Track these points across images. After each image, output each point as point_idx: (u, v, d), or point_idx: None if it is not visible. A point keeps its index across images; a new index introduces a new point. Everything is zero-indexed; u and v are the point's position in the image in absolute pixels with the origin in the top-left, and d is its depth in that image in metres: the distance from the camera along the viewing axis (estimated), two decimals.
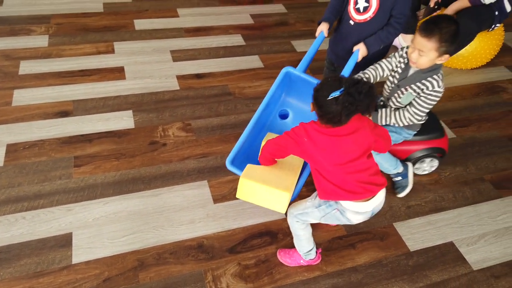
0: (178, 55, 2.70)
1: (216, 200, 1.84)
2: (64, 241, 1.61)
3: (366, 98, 1.18)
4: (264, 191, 1.41)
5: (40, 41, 2.69)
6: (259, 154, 1.49)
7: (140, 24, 2.98)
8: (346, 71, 1.77)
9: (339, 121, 1.23)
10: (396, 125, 1.73)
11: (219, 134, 2.16)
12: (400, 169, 1.89)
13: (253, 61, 2.72)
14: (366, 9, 1.76)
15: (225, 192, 1.88)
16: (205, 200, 1.84)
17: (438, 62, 1.56)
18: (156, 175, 1.92)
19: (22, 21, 2.84)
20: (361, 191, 1.32)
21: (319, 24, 1.88)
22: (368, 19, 1.77)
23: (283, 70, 1.77)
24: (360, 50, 1.78)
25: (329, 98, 1.18)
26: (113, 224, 1.70)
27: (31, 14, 2.93)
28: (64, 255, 1.57)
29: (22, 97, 2.25)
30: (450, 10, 2.58)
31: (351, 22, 1.82)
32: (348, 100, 1.17)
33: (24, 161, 1.91)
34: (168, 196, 1.84)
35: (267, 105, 1.76)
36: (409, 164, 1.92)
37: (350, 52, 1.84)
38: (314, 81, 1.67)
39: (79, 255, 1.57)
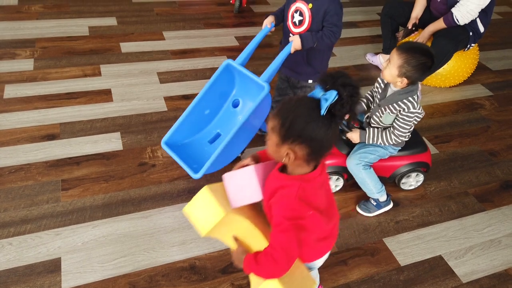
0: (165, 77, 2.73)
1: None
2: (53, 266, 1.58)
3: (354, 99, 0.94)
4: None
5: (25, 64, 2.68)
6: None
7: (127, 47, 3.01)
8: (276, 61, 1.83)
9: (330, 146, 0.99)
10: (383, 144, 1.79)
11: None
12: (383, 198, 1.91)
13: None
14: (301, 22, 1.88)
15: None
16: None
17: (398, 82, 1.66)
18: (146, 197, 1.91)
19: (6, 45, 2.83)
20: (336, 229, 1.22)
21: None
22: (305, 31, 1.89)
23: (224, 63, 1.88)
24: (294, 42, 1.85)
25: (323, 110, 0.91)
26: (103, 247, 1.67)
27: (15, 38, 2.92)
28: (53, 281, 1.53)
29: (7, 121, 2.23)
30: (427, 31, 2.70)
31: (291, 35, 1.92)
32: (345, 107, 0.92)
33: (10, 185, 1.87)
34: (159, 217, 1.82)
35: (210, 93, 1.91)
36: (391, 204, 1.95)
37: (294, 63, 2.00)
38: (252, 75, 1.80)
39: (68, 281, 1.54)
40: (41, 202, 1.82)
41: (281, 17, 1.99)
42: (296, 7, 1.88)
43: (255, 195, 1.14)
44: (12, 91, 2.44)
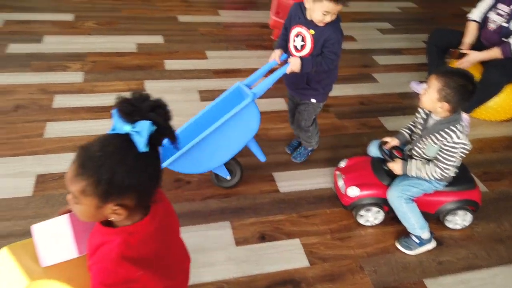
0: (206, 95, 2.76)
1: (238, 242, 1.79)
2: None
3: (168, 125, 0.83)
4: None
5: (75, 77, 2.80)
6: None
7: (170, 64, 3.09)
8: (270, 78, 1.81)
9: (158, 181, 0.85)
10: (427, 178, 1.69)
11: (244, 175, 2.14)
12: (425, 235, 1.78)
13: (278, 103, 2.75)
14: (302, 47, 1.86)
15: (248, 235, 1.83)
16: (226, 242, 1.79)
17: (438, 107, 1.58)
18: (179, 213, 1.87)
19: (59, 58, 2.99)
20: (184, 280, 1.09)
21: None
22: (306, 56, 1.85)
23: (235, 85, 1.92)
24: (292, 64, 1.81)
25: (143, 147, 0.76)
26: None
27: (68, 51, 3.08)
28: None
29: (54, 129, 2.32)
30: (477, 58, 2.55)
31: (290, 57, 1.89)
32: (165, 133, 0.81)
33: (51, 192, 1.93)
34: (190, 235, 1.79)
35: (215, 110, 1.90)
36: (434, 243, 1.82)
37: (295, 84, 2.00)
38: (245, 88, 1.83)
39: None
40: None
41: (286, 45, 1.97)
42: (297, 32, 1.86)
43: (70, 251, 0.94)
44: (61, 101, 2.55)
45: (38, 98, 2.55)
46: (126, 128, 0.78)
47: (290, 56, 1.88)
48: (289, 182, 2.14)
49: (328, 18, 1.74)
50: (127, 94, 0.81)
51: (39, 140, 2.23)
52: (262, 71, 1.96)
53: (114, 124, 0.80)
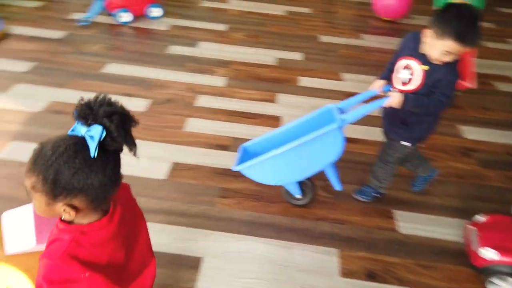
0: None
1: (343, 274, 1.71)
2: (194, 264, 1.70)
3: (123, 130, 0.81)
4: None
5: (219, 81, 3.07)
6: None
7: (304, 81, 3.16)
8: (364, 109, 1.68)
9: (115, 184, 0.84)
10: None
11: (362, 205, 2.05)
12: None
13: None
14: (408, 81, 1.65)
15: (355, 268, 1.74)
16: (331, 270, 1.72)
17: None
18: (289, 227, 1.91)
19: (209, 62, 3.32)
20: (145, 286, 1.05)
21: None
22: (409, 92, 1.63)
23: (328, 106, 1.85)
24: (393, 99, 1.58)
25: (93, 152, 0.76)
26: (238, 262, 1.72)
27: (217, 57, 3.40)
28: (191, 277, 1.64)
29: (193, 125, 2.57)
30: None
31: (394, 91, 1.65)
32: (117, 139, 0.80)
33: (181, 180, 2.14)
34: (295, 252, 1.79)
35: (301, 127, 1.87)
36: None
37: (390, 118, 1.82)
38: (336, 113, 1.75)
39: (203, 282, 1.63)
40: (200, 202, 2.01)
41: (390, 75, 1.78)
42: (406, 64, 1.66)
43: (30, 240, 0.94)
44: (203, 100, 2.82)
45: (185, 95, 2.87)
46: (82, 130, 0.79)
47: (393, 89, 1.73)
48: (411, 224, 1.97)
49: (448, 58, 1.54)
50: (90, 97, 0.83)
51: (178, 132, 2.50)
52: (360, 98, 1.85)
53: (74, 126, 0.81)
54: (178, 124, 2.57)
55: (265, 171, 1.84)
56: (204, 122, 2.60)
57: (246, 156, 1.94)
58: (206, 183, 2.12)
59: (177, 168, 2.21)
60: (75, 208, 0.80)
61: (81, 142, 0.77)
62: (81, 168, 0.76)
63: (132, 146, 0.83)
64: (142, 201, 2.01)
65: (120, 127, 0.79)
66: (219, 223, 1.90)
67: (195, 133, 2.50)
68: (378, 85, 1.80)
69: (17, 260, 0.97)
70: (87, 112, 0.78)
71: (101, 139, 0.77)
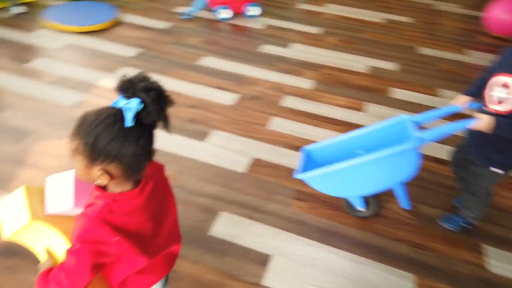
0: None
1: None
2: (263, 260, 1.72)
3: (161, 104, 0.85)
4: None
5: (305, 83, 3.06)
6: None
7: (396, 92, 3.01)
8: (446, 129, 1.55)
9: (147, 157, 0.89)
10: None
11: (447, 233, 1.89)
12: None
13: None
14: (503, 100, 1.45)
15: None
16: None
17: None
18: (363, 242, 1.83)
19: (296, 63, 3.32)
20: (166, 263, 1.11)
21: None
22: (504, 113, 1.44)
23: (401, 117, 1.74)
24: (482, 122, 1.40)
25: (128, 122, 0.81)
26: (307, 267, 1.70)
27: (305, 60, 3.39)
28: (257, 273, 1.66)
29: (277, 124, 2.59)
30: None
31: (484, 109, 1.44)
32: (152, 114, 0.83)
33: (260, 176, 2.17)
34: (368, 269, 1.71)
35: (371, 136, 1.79)
36: None
37: (475, 143, 1.62)
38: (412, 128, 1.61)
39: (270, 279, 1.64)
40: (275, 201, 2.02)
41: (478, 92, 1.58)
42: (504, 82, 1.45)
43: (67, 202, 1.01)
44: (289, 101, 2.83)
45: (271, 94, 2.90)
46: (122, 103, 0.83)
47: (482, 108, 1.53)
48: (504, 264, 1.77)
49: None
50: (132, 73, 0.87)
51: (262, 129, 2.54)
52: (439, 113, 1.69)
53: (116, 100, 0.85)
54: (262, 121, 2.61)
55: (329, 182, 1.79)
56: (287, 122, 2.61)
57: (309, 160, 1.91)
58: (283, 183, 2.13)
59: (257, 164, 2.25)
60: (110, 175, 0.87)
61: (120, 113, 0.83)
62: (117, 136, 0.82)
63: (166, 123, 0.87)
64: (218, 190, 2.11)
65: (156, 102, 0.83)
66: (292, 225, 1.89)
67: (277, 132, 2.52)
68: (462, 101, 1.67)
69: (57, 222, 1.04)
70: (128, 86, 0.83)
71: (137, 111, 0.82)
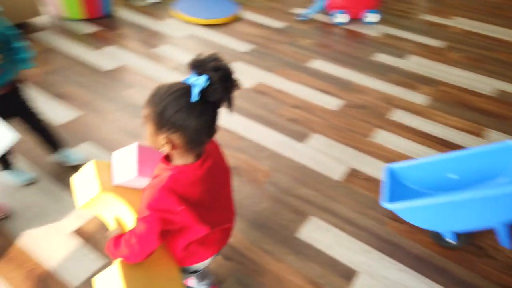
0: None
1: None
2: (348, 275, 1.64)
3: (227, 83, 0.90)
4: None
5: (419, 98, 2.85)
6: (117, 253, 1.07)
7: None
8: None
9: (209, 133, 0.95)
10: None
11: None
12: None
13: None
14: None
15: None
16: None
17: None
18: (466, 282, 1.63)
19: (411, 76, 3.11)
20: (222, 238, 1.18)
21: None
22: None
23: (505, 143, 1.54)
24: None
25: (194, 97, 0.87)
26: None
27: (423, 74, 3.15)
28: (342, 286, 1.60)
29: (381, 136, 2.46)
30: None
31: None
32: (217, 92, 0.88)
33: (355, 188, 2.08)
34: None
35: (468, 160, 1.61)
36: None
37: None
38: None
39: None
40: (369, 216, 1.92)
41: None
42: None
43: (131, 172, 1.08)
44: (398, 115, 2.66)
45: (379, 105, 2.76)
46: (192, 79, 0.88)
47: None
48: None
49: None
50: (204, 53, 0.92)
51: (364, 139, 2.43)
52: None
53: (187, 77, 0.91)
54: (365, 131, 2.50)
55: (421, 215, 1.61)
56: (393, 136, 2.46)
57: (394, 180, 1.77)
58: (380, 199, 2.01)
59: (354, 175, 2.16)
60: (173, 144, 0.93)
61: (189, 89, 0.89)
62: (183, 109, 0.88)
63: (230, 103, 0.91)
64: (311, 194, 2.08)
65: (222, 81, 0.87)
66: (384, 245, 1.77)
67: (381, 145, 2.39)
68: None
69: (123, 194, 1.11)
70: (199, 64, 0.88)
71: (204, 88, 0.87)
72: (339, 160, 2.26)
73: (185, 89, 0.89)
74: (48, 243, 1.74)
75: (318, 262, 1.69)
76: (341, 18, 3.86)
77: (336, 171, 2.18)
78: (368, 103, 2.78)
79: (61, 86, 2.82)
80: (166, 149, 0.94)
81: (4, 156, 1.92)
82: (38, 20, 3.70)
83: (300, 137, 2.42)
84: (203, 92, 0.87)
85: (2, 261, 1.67)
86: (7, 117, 1.69)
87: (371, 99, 2.82)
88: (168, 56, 3.25)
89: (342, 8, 3.82)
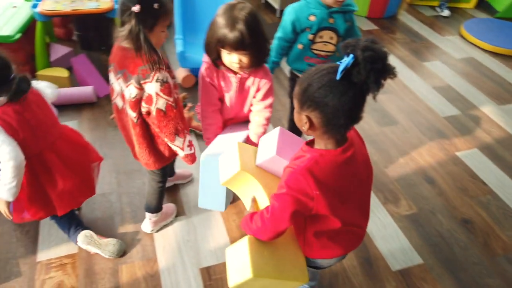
0: None
1: None
2: None
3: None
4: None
5: None
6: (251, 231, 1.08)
7: None
8: None
9: (348, 116, 0.90)
10: None
11: None
12: None
13: None
14: None
15: None
16: None
17: None
18: None
19: None
20: (351, 240, 1.14)
21: None
22: None
23: None
24: None
25: (338, 74, 0.85)
26: None
27: None
28: None
29: None
30: None
31: None
32: (361, 72, 0.83)
33: None
34: None
35: None
36: None
37: None
38: None
39: None
40: None
41: None
42: None
43: (271, 151, 1.12)
44: None
45: None
46: (343, 60, 0.85)
47: None
48: None
49: None
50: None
51: None
52: None
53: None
54: None
55: None
56: None
57: None
58: None
59: None
60: (311, 123, 0.93)
61: (337, 68, 0.86)
62: (325, 85, 0.87)
63: (375, 86, 0.84)
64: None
65: (368, 61, 0.81)
66: None
67: None
68: None
69: (260, 175, 1.15)
70: (352, 44, 0.84)
71: (348, 66, 0.83)
72: None
73: (333, 68, 0.88)
74: None
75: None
76: None
77: None
78: None
79: None
80: (304, 128, 0.95)
81: None
82: None
83: None
84: (348, 71, 0.84)
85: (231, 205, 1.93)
86: None
87: None
88: (435, 73, 3.00)
89: None
